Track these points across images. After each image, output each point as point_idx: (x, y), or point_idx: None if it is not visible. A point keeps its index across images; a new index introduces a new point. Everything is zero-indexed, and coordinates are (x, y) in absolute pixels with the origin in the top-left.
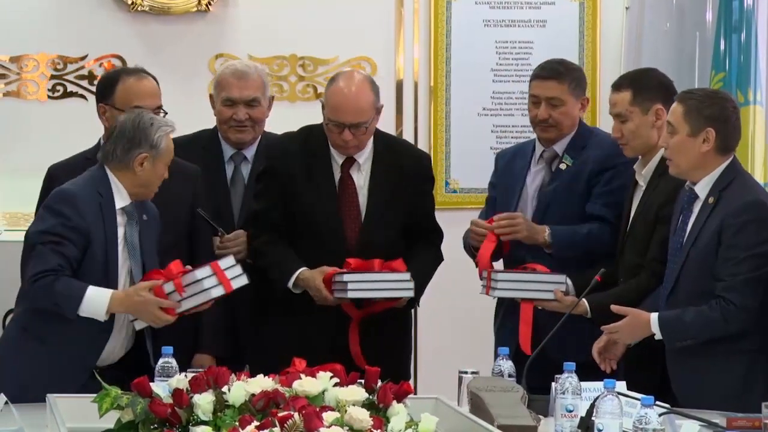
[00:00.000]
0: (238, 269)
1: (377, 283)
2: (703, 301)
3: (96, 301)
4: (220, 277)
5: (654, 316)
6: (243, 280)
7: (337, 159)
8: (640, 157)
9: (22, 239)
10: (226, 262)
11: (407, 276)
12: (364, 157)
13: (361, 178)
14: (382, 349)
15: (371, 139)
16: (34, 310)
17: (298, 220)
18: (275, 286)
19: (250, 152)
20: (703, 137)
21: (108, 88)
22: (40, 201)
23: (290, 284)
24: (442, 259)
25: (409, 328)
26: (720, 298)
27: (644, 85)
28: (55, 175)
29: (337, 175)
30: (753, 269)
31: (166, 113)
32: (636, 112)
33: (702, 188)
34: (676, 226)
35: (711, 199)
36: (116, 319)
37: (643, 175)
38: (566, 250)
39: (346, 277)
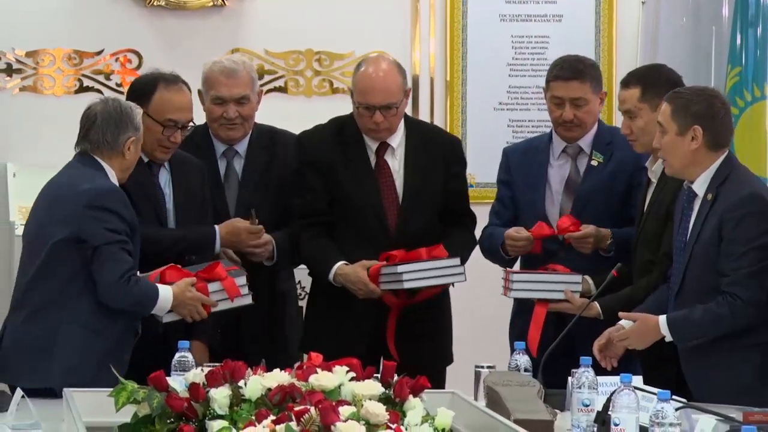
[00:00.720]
0: (246, 290)
1: (430, 271)
2: (710, 298)
3: (165, 298)
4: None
5: (662, 319)
6: (248, 300)
7: (371, 145)
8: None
9: None
10: (240, 280)
11: (457, 261)
12: (397, 141)
13: (396, 163)
14: (425, 334)
15: (402, 124)
16: (93, 307)
17: (339, 208)
18: (318, 281)
19: (242, 147)
20: (691, 135)
21: (145, 94)
22: None
23: (330, 278)
24: (476, 243)
25: (449, 312)
26: (726, 294)
27: (653, 82)
28: None
29: (373, 161)
30: (755, 262)
31: (195, 125)
32: (645, 108)
33: (699, 186)
34: (678, 226)
35: (710, 196)
36: None
37: (654, 171)
38: (624, 252)
39: (400, 269)
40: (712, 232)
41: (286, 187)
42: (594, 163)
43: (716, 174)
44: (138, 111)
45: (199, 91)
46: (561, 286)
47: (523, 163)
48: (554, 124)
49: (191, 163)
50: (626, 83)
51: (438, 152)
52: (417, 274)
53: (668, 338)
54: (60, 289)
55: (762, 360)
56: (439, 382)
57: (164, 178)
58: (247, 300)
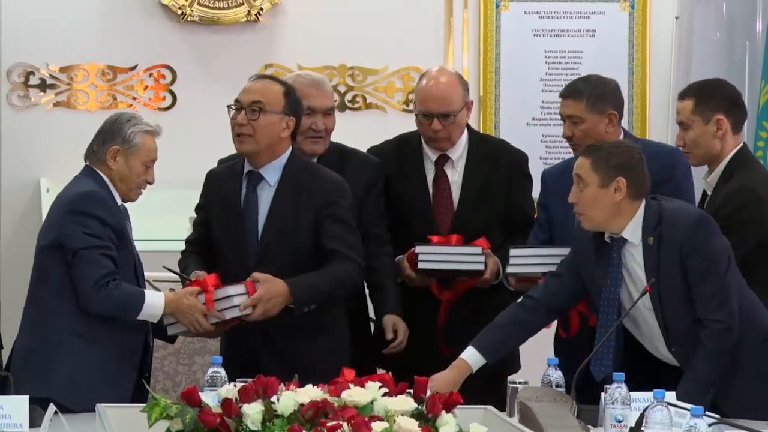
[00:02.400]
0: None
1: (447, 256)
2: (699, 327)
3: (154, 304)
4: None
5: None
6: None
7: (431, 156)
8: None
9: None
10: (238, 289)
11: (478, 250)
12: (458, 153)
13: (455, 174)
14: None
15: (465, 137)
16: (89, 315)
17: (395, 216)
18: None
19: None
20: (615, 186)
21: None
22: None
23: None
24: None
25: None
26: (707, 321)
27: (707, 95)
28: None
29: (432, 173)
30: (720, 275)
31: None
32: (697, 121)
33: (631, 233)
34: (603, 277)
35: (651, 239)
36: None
37: (709, 182)
38: None
39: (417, 249)
40: (674, 270)
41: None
42: None
43: (645, 219)
44: (133, 125)
45: None
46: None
47: (556, 186)
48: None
49: (318, 188)
50: (682, 95)
51: (502, 166)
52: (433, 256)
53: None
54: (52, 297)
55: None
56: (498, 391)
57: (266, 194)
58: (248, 311)
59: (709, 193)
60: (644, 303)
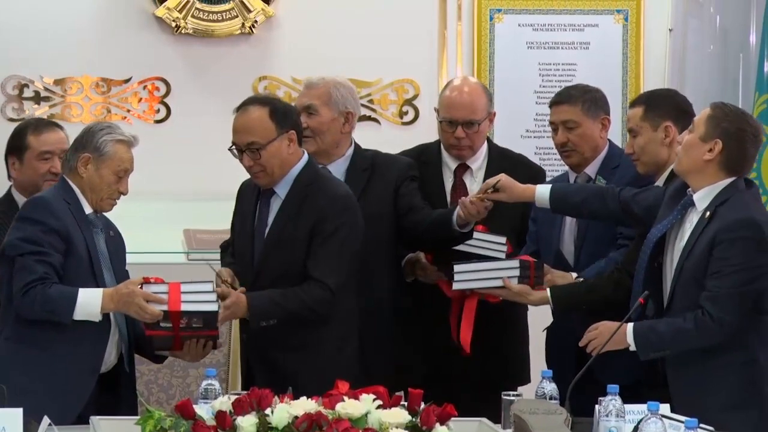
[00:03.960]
0: (211, 297)
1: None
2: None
3: (89, 301)
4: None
5: (629, 327)
6: (213, 307)
7: (451, 165)
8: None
9: None
10: (204, 287)
11: (503, 240)
12: (477, 164)
13: (473, 184)
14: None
15: (485, 148)
16: (28, 322)
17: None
18: None
19: (341, 168)
20: (710, 146)
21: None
22: None
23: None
24: None
25: (523, 326)
26: (699, 308)
27: (657, 103)
28: None
29: (450, 181)
30: (737, 285)
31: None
32: (646, 127)
33: (700, 199)
34: (660, 220)
35: (707, 214)
36: (112, 321)
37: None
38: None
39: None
40: (703, 251)
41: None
42: None
43: (720, 193)
44: (105, 134)
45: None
46: (500, 273)
47: None
48: (557, 151)
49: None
50: (633, 102)
51: (518, 177)
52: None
53: (632, 347)
54: (5, 306)
55: (748, 378)
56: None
57: (275, 206)
58: (212, 306)
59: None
60: (673, 263)
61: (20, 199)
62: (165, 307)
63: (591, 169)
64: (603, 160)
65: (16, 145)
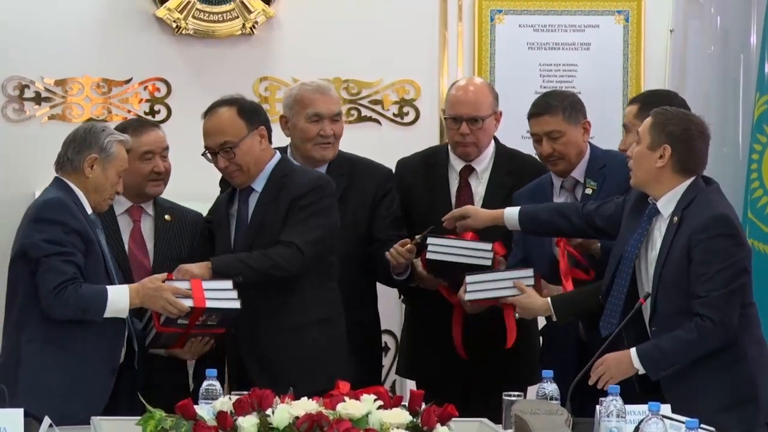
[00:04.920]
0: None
1: (456, 249)
2: (683, 319)
3: (118, 298)
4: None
5: (633, 352)
6: (235, 304)
7: (456, 167)
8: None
9: None
10: (225, 284)
11: (488, 246)
12: (483, 165)
13: (479, 186)
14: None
15: (492, 149)
16: (52, 322)
17: (418, 224)
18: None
19: (320, 171)
20: (660, 153)
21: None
22: None
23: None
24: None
25: (532, 324)
26: (697, 316)
27: (652, 102)
28: None
29: (456, 183)
30: (726, 283)
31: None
32: (638, 124)
33: (664, 205)
34: (627, 233)
35: (675, 219)
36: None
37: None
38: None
39: (429, 239)
40: (680, 255)
41: (362, 215)
42: (588, 191)
43: (683, 196)
44: (108, 135)
45: (282, 117)
46: (512, 282)
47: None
48: (541, 160)
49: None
50: (631, 100)
51: (525, 178)
52: (441, 248)
53: (641, 371)
54: (22, 308)
55: (740, 376)
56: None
57: (253, 202)
58: (235, 304)
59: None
60: (648, 273)
61: (117, 198)
62: (191, 303)
63: (578, 173)
64: (588, 162)
65: None
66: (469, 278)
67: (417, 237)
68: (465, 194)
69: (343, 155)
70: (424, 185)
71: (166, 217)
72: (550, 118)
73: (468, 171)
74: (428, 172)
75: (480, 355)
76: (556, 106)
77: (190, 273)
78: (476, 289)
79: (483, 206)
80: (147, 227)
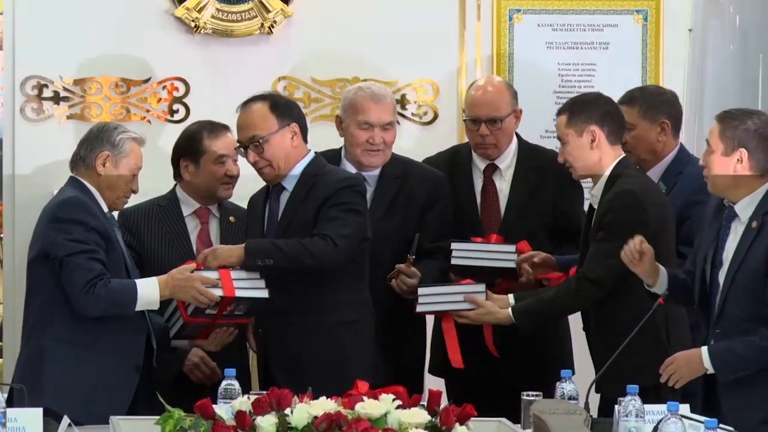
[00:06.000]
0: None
1: (480, 253)
2: (751, 326)
3: (148, 291)
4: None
5: (704, 352)
6: (263, 294)
7: (479, 165)
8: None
9: None
10: (252, 274)
11: (512, 248)
12: (506, 163)
13: (503, 183)
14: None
15: (515, 146)
16: (77, 320)
17: None
18: None
19: (374, 176)
20: (737, 157)
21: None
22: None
23: None
24: None
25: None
26: None
27: (579, 108)
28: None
29: (480, 182)
30: None
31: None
32: (571, 134)
33: (742, 209)
34: (707, 239)
35: (754, 224)
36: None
37: (594, 194)
38: None
39: (453, 245)
40: (759, 261)
41: (411, 219)
42: None
43: (762, 200)
44: (121, 132)
45: (338, 116)
46: (463, 296)
47: None
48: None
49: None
50: (558, 111)
51: (550, 174)
52: (466, 253)
53: (710, 371)
54: (43, 307)
55: None
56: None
57: (284, 200)
58: (263, 293)
59: (595, 206)
60: (717, 275)
61: (185, 199)
62: (221, 293)
63: (654, 174)
64: (669, 164)
65: (192, 149)
66: (421, 290)
67: (410, 256)
68: (489, 193)
69: (398, 158)
70: (452, 185)
71: (231, 218)
72: (627, 108)
73: (491, 169)
74: (453, 172)
75: (511, 354)
76: (637, 99)
77: (224, 254)
78: (428, 301)
79: (507, 203)
80: (213, 229)
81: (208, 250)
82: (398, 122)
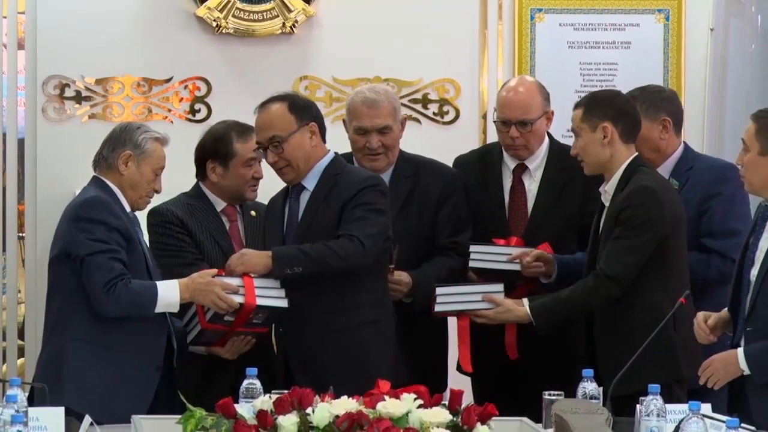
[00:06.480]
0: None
1: (496, 255)
2: None
3: (168, 293)
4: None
5: (740, 353)
6: (283, 303)
7: (510, 165)
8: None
9: None
10: (273, 283)
11: (529, 251)
12: (536, 163)
13: (532, 183)
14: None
15: (546, 146)
16: (97, 320)
17: (473, 224)
18: None
19: (385, 176)
20: None
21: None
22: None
23: None
24: None
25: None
26: None
27: (595, 104)
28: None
29: (509, 182)
30: None
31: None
32: (585, 128)
33: None
34: (749, 240)
35: None
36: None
37: (607, 191)
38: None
39: (471, 248)
40: None
41: (426, 217)
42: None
43: None
44: (144, 132)
45: (343, 121)
46: (481, 296)
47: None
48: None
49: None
50: (575, 105)
51: (578, 174)
52: (483, 256)
53: (746, 372)
54: (63, 306)
55: None
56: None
57: (304, 200)
58: (283, 303)
59: (607, 203)
60: (749, 273)
61: (213, 198)
62: (241, 300)
63: (663, 171)
64: (677, 161)
65: (222, 151)
66: (439, 290)
67: (391, 266)
68: (518, 192)
69: (407, 156)
70: (479, 184)
71: (252, 213)
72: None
73: (521, 169)
74: (483, 171)
75: (535, 354)
76: (636, 99)
77: (252, 260)
78: (446, 301)
79: (534, 204)
80: (241, 226)
81: (236, 256)
82: (419, 121)
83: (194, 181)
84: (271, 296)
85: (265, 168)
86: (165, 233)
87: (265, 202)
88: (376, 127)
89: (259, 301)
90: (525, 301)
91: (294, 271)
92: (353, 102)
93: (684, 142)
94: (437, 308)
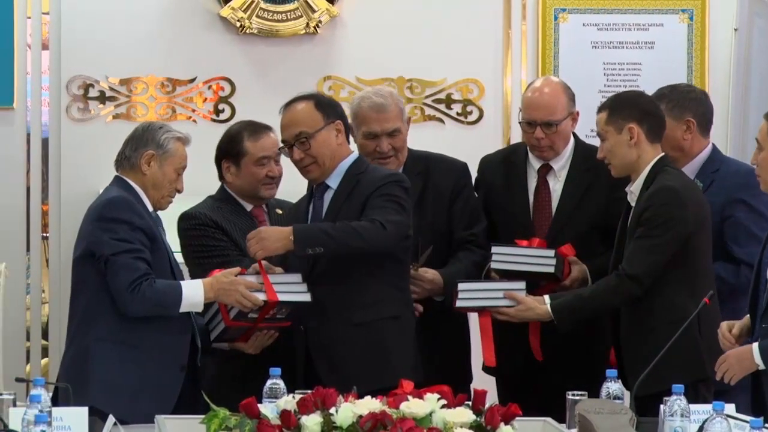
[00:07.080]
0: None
1: (519, 257)
2: None
3: (193, 292)
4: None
5: (755, 348)
6: (306, 297)
7: (535, 165)
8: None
9: None
10: (295, 278)
11: (551, 253)
12: (560, 163)
13: (557, 184)
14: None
15: (571, 146)
16: (122, 319)
17: (497, 223)
18: None
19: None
20: None
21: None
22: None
23: None
24: None
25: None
26: None
27: (619, 106)
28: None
29: (534, 182)
30: None
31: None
32: (611, 131)
33: None
34: (766, 240)
35: None
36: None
37: (632, 191)
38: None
39: (493, 249)
40: None
41: (440, 212)
42: None
43: None
44: (166, 132)
45: (350, 125)
46: (503, 293)
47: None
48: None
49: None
50: (599, 108)
51: (603, 175)
52: (506, 257)
53: (761, 366)
54: (88, 306)
55: None
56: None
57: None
58: (306, 297)
59: (633, 203)
60: (766, 271)
61: (239, 198)
62: (264, 297)
63: (688, 172)
64: (703, 163)
65: (233, 151)
66: (461, 286)
67: (414, 264)
68: (542, 193)
69: (416, 154)
70: (504, 184)
71: (278, 210)
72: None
73: (546, 169)
74: (508, 171)
75: (560, 354)
76: (663, 97)
77: (272, 237)
78: (468, 296)
79: (559, 204)
80: (268, 224)
81: (253, 236)
82: (443, 121)
83: (217, 181)
84: (293, 291)
85: (288, 166)
86: (203, 235)
87: (288, 200)
88: (385, 131)
89: (281, 297)
90: (546, 298)
91: (315, 251)
92: (360, 107)
93: (713, 144)
94: (459, 303)
